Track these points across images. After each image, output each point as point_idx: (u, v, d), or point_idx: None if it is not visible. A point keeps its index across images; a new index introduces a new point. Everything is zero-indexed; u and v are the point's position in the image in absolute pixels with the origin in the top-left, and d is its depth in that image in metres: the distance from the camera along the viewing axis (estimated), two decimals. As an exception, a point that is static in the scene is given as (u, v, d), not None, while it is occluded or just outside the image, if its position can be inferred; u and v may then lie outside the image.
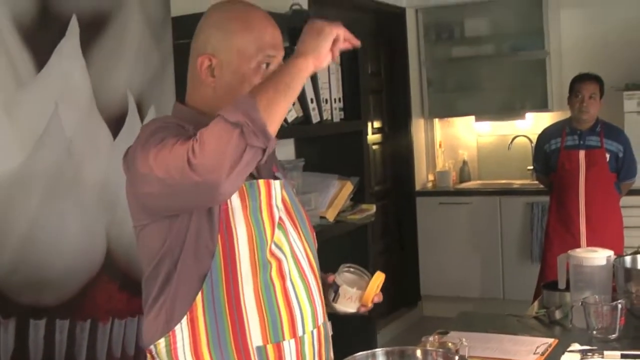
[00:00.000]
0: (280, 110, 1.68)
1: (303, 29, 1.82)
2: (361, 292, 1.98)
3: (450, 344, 2.18)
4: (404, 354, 1.94)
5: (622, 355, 2.32)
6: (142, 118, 3.29)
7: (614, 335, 2.49)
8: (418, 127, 6.86)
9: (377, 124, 6.44)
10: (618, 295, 2.59)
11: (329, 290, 2.01)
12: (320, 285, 1.98)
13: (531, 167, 6.02)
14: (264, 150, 1.65)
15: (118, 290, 3.15)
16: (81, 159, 3.01)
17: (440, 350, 1.99)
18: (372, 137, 6.22)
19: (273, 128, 1.66)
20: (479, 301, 6.30)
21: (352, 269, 2.04)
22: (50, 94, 2.89)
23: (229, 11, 1.90)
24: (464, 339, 2.21)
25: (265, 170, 1.93)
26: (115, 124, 3.18)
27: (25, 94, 2.80)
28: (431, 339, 2.24)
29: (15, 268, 2.74)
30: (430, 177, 6.97)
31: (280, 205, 1.89)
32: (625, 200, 5.09)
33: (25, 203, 2.79)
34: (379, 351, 1.94)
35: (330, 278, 2.03)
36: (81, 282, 2.99)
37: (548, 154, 5.00)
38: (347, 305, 2.00)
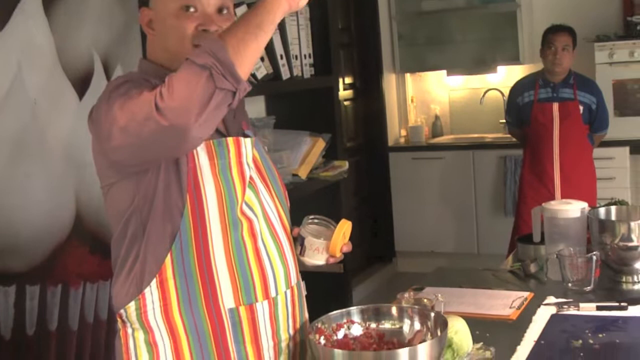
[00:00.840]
0: (250, 52, 1.62)
1: None
2: (327, 241, 1.93)
3: (425, 300, 2.16)
4: (379, 312, 1.93)
5: (598, 307, 2.32)
6: (108, 78, 3.23)
7: (589, 287, 2.49)
8: (389, 82, 6.82)
9: (348, 80, 6.40)
10: (593, 247, 2.58)
11: (296, 243, 1.97)
12: (292, 244, 1.95)
13: (504, 121, 6.01)
14: (234, 93, 1.61)
15: (89, 254, 3.11)
16: (46, 121, 2.95)
17: (416, 306, 1.98)
18: (343, 93, 6.17)
19: (243, 70, 1.61)
20: (454, 256, 6.32)
21: (316, 220, 1.98)
22: (13, 54, 2.82)
23: None
24: (439, 295, 2.20)
25: (234, 127, 1.90)
26: (81, 84, 3.12)
27: (-14, 54, 2.73)
28: (406, 295, 2.22)
29: (-19, 234, 2.70)
30: (403, 133, 6.95)
31: (251, 164, 1.85)
32: (596, 152, 5.10)
33: (-11, 167, 2.73)
34: (354, 309, 1.93)
35: (295, 231, 1.98)
36: (50, 247, 2.95)
37: (521, 107, 4.98)
38: (315, 257, 1.95)
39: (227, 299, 1.79)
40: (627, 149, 5.75)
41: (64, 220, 3.02)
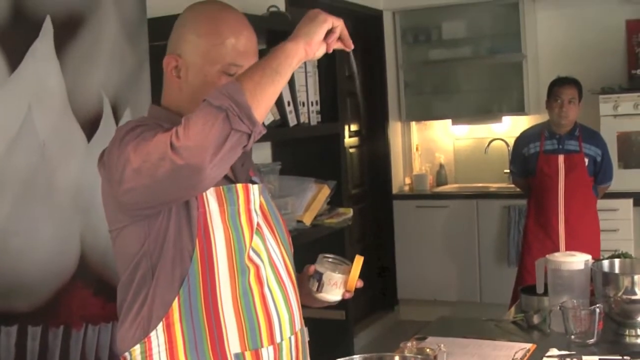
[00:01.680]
0: (266, 95, 1.64)
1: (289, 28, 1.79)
2: (345, 276, 1.96)
3: (428, 350, 2.16)
4: (383, 360, 1.92)
5: (601, 360, 2.31)
6: (117, 121, 3.25)
7: (592, 340, 2.49)
8: (395, 130, 6.86)
9: (354, 127, 6.43)
10: (596, 300, 2.58)
11: (311, 280, 1.98)
12: (297, 290, 1.96)
13: (508, 171, 6.03)
14: (249, 136, 1.62)
15: (92, 296, 3.10)
16: (55, 163, 2.96)
17: (419, 356, 1.98)
18: (349, 141, 6.21)
19: (259, 113, 1.62)
20: (456, 305, 6.30)
21: (330, 259, 2.01)
22: (24, 95, 2.84)
23: (201, 12, 1.88)
24: (442, 345, 2.20)
25: (242, 174, 1.91)
26: (90, 127, 3.14)
27: (-2, 96, 2.75)
28: (409, 344, 2.22)
29: (-14, 273, 2.70)
30: (407, 181, 6.97)
31: (259, 211, 1.87)
32: (600, 203, 5.11)
33: (-3, 207, 2.74)
34: (357, 358, 1.92)
35: (311, 268, 2.00)
36: (54, 288, 2.95)
37: (526, 158, 5.00)
38: (332, 292, 1.97)
39: (233, 343, 1.79)
40: (631, 200, 5.77)
41: (69, 262, 3.02)
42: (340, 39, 1.83)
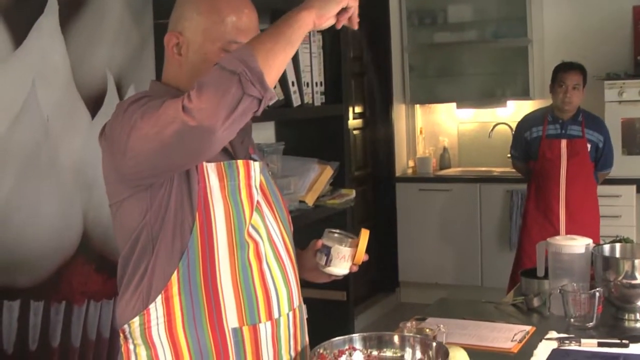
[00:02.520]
0: (278, 62, 1.65)
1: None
2: (353, 249, 1.98)
3: (427, 330, 2.17)
4: (382, 340, 1.94)
5: (599, 344, 2.32)
6: (121, 97, 3.26)
7: (591, 323, 2.50)
8: (399, 112, 6.85)
9: (358, 109, 6.43)
10: (596, 284, 2.59)
11: (318, 255, 2.00)
12: (295, 267, 1.97)
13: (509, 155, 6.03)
14: (260, 101, 1.63)
15: (94, 272, 3.12)
16: (58, 139, 2.97)
17: (418, 336, 1.99)
18: (353, 122, 6.20)
19: (270, 79, 1.63)
20: (457, 288, 6.31)
21: (336, 233, 2.03)
22: (28, 71, 2.85)
23: None
24: (441, 325, 2.21)
25: (242, 151, 1.92)
26: (94, 104, 3.14)
27: (2, 71, 2.76)
28: (409, 324, 2.23)
29: (-11, 248, 2.71)
30: (411, 163, 6.97)
31: (259, 188, 1.88)
32: (603, 189, 5.11)
33: (0, 183, 2.75)
34: (356, 336, 1.94)
35: (319, 243, 2.02)
36: (56, 264, 2.96)
37: (528, 142, 5.00)
38: (341, 265, 1.99)
39: (231, 318, 1.81)
40: (634, 187, 5.77)
41: (72, 238, 3.03)
42: (350, 16, 1.82)
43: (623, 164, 5.60)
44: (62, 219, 2.99)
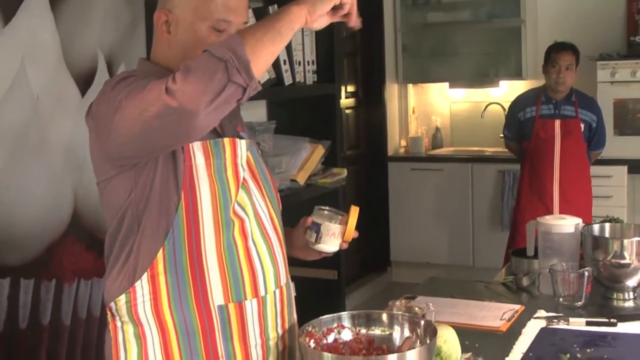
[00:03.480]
0: (266, 53, 1.66)
1: None
2: (342, 226, 1.98)
3: (417, 309, 2.17)
4: (370, 318, 1.94)
5: (587, 322, 2.34)
6: (111, 75, 3.25)
7: (580, 303, 2.51)
8: (392, 92, 6.84)
9: (350, 88, 6.42)
10: (585, 263, 2.60)
11: (308, 232, 1.99)
12: (283, 246, 1.97)
13: (502, 135, 6.03)
14: (245, 90, 1.63)
15: (84, 251, 3.12)
16: (48, 117, 2.96)
17: (407, 314, 1.99)
18: (345, 101, 6.19)
19: (257, 69, 1.64)
20: (449, 268, 6.33)
21: (326, 211, 2.03)
22: (17, 49, 2.83)
23: None
24: (430, 304, 2.21)
25: (230, 129, 1.91)
26: (84, 82, 3.13)
27: (-9, 48, 2.75)
28: (398, 303, 2.24)
29: (-21, 226, 2.71)
30: (403, 143, 6.97)
31: (245, 166, 1.88)
32: (594, 169, 5.12)
33: (-11, 160, 2.75)
34: (345, 314, 1.95)
35: (308, 220, 2.02)
36: (46, 242, 2.96)
37: (522, 122, 5.00)
38: (331, 242, 1.98)
39: (216, 296, 1.81)
40: (626, 168, 5.78)
41: (62, 216, 3.03)
42: (347, 14, 1.83)
43: (615, 145, 5.60)
44: (52, 197, 2.99)
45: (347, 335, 1.91)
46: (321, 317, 1.91)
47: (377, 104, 6.68)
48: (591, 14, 6.28)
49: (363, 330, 1.92)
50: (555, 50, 4.86)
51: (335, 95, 4.34)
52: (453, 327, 2.07)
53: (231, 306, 1.83)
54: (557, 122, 4.86)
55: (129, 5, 3.34)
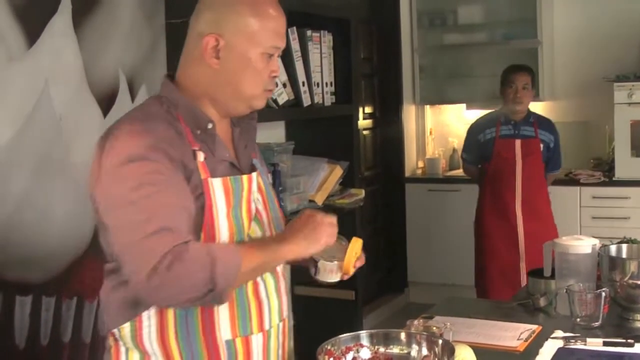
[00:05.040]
0: (246, 280, 1.78)
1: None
2: (340, 262, 1.93)
3: (434, 328, 2.19)
4: (388, 336, 1.96)
5: (605, 343, 2.34)
6: (133, 97, 3.29)
7: (597, 323, 2.51)
8: (409, 113, 6.87)
9: (368, 109, 6.45)
10: (602, 284, 2.60)
11: (310, 264, 1.97)
12: (287, 276, 2.00)
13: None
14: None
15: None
16: (71, 138, 3.00)
17: (424, 333, 2.01)
18: (362, 122, 6.22)
19: (230, 289, 1.70)
20: (466, 288, 6.30)
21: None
22: (41, 70, 2.88)
23: None
24: (448, 323, 2.22)
25: (245, 157, 1.94)
26: (106, 103, 3.17)
27: (16, 69, 2.79)
28: (416, 322, 2.25)
29: (1, 245, 2.74)
30: (420, 164, 6.98)
31: (258, 197, 1.91)
32: (611, 191, 5.11)
33: (13, 181, 2.78)
34: (364, 333, 1.97)
35: None
36: (68, 260, 3.00)
37: (482, 144, 5.05)
38: (329, 277, 1.95)
39: (224, 331, 1.82)
40: (643, 189, 5.76)
41: (83, 235, 3.06)
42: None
43: (632, 166, 5.61)
44: (74, 217, 3.02)
45: (365, 354, 1.93)
46: (340, 336, 1.93)
47: (395, 125, 6.71)
48: (608, 36, 6.29)
49: (381, 349, 1.94)
50: (512, 72, 4.97)
51: (352, 116, 4.37)
52: (470, 346, 2.08)
53: (238, 340, 1.84)
54: (518, 142, 4.92)
55: (149, 26, 3.38)
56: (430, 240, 6.53)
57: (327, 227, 1.85)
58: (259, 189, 1.92)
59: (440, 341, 1.92)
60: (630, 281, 2.54)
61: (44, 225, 2.90)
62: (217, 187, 1.79)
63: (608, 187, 5.68)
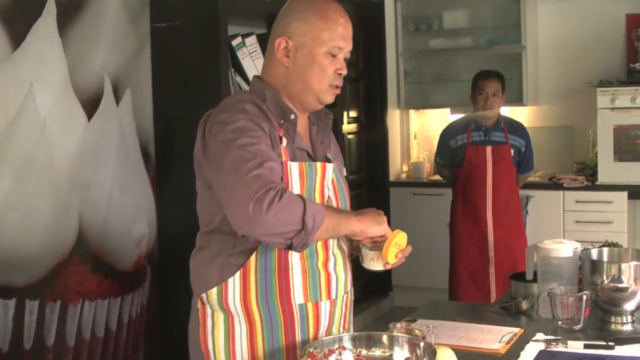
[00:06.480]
0: (321, 237, 2.00)
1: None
2: (379, 252, 2.13)
3: (417, 331, 2.20)
4: (371, 339, 1.98)
5: (585, 345, 2.35)
6: (117, 100, 3.29)
7: (578, 326, 2.53)
8: (393, 117, 6.88)
9: (353, 114, 6.45)
10: (584, 287, 2.62)
11: (360, 252, 2.19)
12: (349, 256, 2.25)
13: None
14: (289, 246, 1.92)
15: (89, 273, 3.15)
16: (55, 140, 3.00)
17: (407, 336, 2.02)
18: (347, 127, 6.24)
19: (312, 240, 1.95)
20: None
21: None
22: (26, 73, 2.89)
23: (310, 3, 2.12)
24: (430, 326, 2.24)
25: (320, 150, 2.20)
26: (91, 106, 3.18)
27: (0, 72, 2.79)
28: (398, 325, 2.26)
29: (-14, 247, 2.74)
30: (405, 168, 7.00)
31: (330, 186, 2.16)
32: (595, 195, 5.14)
33: (-3, 182, 2.78)
34: (346, 335, 1.98)
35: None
36: (52, 263, 3.00)
37: (454, 150, 5.09)
38: (373, 265, 2.16)
39: (298, 295, 2.07)
40: (626, 193, 5.78)
41: (67, 239, 3.06)
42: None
43: (615, 171, 5.65)
44: (58, 219, 3.02)
45: (348, 356, 1.94)
46: (323, 338, 1.96)
47: (379, 129, 6.72)
48: (591, 41, 6.33)
49: (364, 352, 1.95)
50: (482, 78, 5.02)
51: (337, 121, 4.38)
52: (452, 349, 2.10)
53: (309, 305, 2.09)
54: (489, 149, 4.96)
55: (134, 30, 3.39)
56: (415, 244, 6.47)
57: (385, 218, 2.16)
58: (332, 181, 2.17)
59: (422, 344, 1.93)
60: (611, 284, 2.56)
61: (27, 227, 2.90)
62: (294, 169, 2.06)
63: (591, 192, 5.70)
